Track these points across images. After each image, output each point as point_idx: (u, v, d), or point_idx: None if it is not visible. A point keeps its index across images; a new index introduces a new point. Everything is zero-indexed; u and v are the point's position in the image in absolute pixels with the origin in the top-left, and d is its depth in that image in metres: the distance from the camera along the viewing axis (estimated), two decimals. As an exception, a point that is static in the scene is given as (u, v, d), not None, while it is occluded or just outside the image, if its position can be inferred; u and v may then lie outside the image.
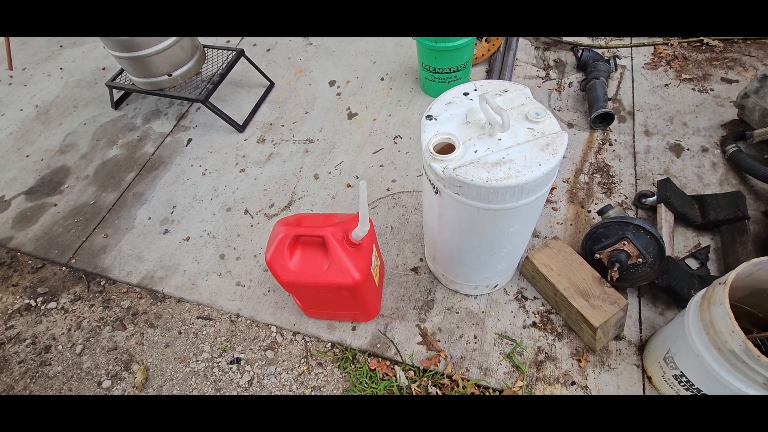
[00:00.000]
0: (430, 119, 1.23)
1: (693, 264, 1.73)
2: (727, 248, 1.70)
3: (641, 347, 1.57)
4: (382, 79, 2.62)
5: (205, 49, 2.51)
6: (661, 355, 1.39)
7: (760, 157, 2.03)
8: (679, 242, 1.80)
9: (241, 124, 2.44)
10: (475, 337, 1.64)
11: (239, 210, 2.12)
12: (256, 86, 2.67)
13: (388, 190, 2.10)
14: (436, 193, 1.25)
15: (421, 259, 1.86)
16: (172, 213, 2.14)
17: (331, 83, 2.65)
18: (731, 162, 2.00)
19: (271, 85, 2.66)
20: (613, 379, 1.51)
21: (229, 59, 2.46)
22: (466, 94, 1.28)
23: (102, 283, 1.97)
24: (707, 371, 1.17)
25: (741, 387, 1.10)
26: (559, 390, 1.50)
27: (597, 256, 1.62)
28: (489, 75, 2.51)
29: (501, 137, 1.17)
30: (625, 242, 1.55)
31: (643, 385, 1.49)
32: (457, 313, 1.70)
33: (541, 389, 1.51)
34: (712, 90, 2.33)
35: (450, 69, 2.26)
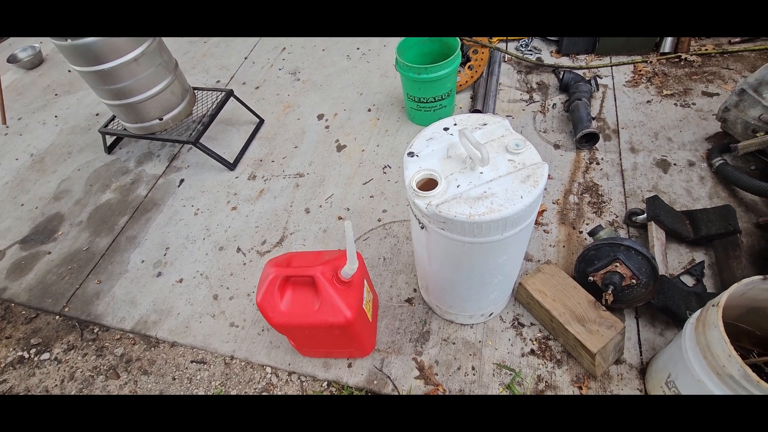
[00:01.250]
0: (412, 156, 1.25)
1: (689, 281, 1.72)
2: (722, 263, 1.68)
3: (642, 370, 1.53)
4: (369, 110, 2.67)
5: (195, 91, 2.57)
6: (662, 379, 1.36)
7: (747, 168, 2.04)
8: (673, 259, 1.79)
9: (231, 162, 2.47)
10: (473, 368, 1.61)
11: (232, 248, 2.12)
12: (246, 123, 2.72)
13: (379, 220, 2.11)
14: (423, 228, 1.25)
15: (414, 290, 1.85)
16: (165, 255, 2.14)
17: (320, 117, 2.69)
18: (719, 175, 2.01)
19: (261, 121, 2.71)
20: (617, 406, 1.47)
21: (218, 99, 2.51)
22: (446, 129, 1.30)
23: (95, 331, 1.95)
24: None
25: (744, 413, 1.07)
26: (562, 420, 1.46)
27: (591, 278, 1.61)
28: (474, 101, 2.56)
29: (482, 170, 1.18)
30: (618, 264, 1.54)
31: (648, 410, 1.45)
32: (454, 344, 1.68)
33: (543, 420, 1.47)
34: (693, 104, 2.36)
35: (434, 98, 2.30)
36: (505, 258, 1.30)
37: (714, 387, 1.12)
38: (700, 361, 1.14)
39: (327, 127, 2.62)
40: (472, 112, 2.47)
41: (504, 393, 1.54)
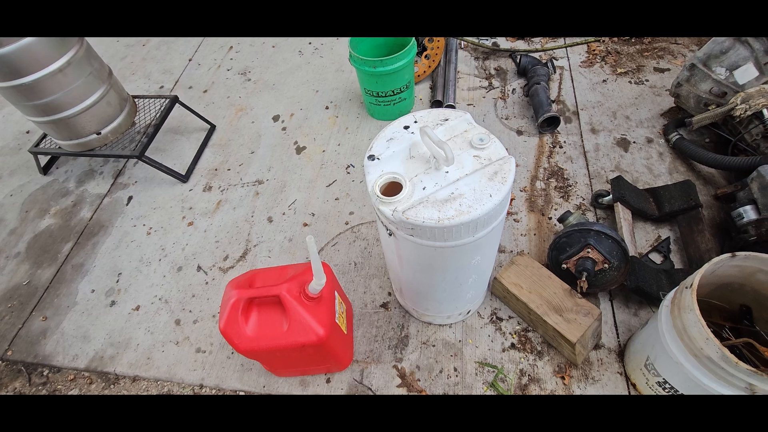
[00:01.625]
0: (373, 159, 1.16)
1: (657, 258, 1.74)
2: (687, 238, 1.71)
3: (621, 353, 1.54)
4: (327, 107, 2.56)
5: (136, 99, 2.37)
6: (641, 361, 1.36)
7: (702, 141, 2.09)
8: (641, 237, 1.81)
9: (184, 173, 2.31)
10: (456, 369, 1.57)
11: (191, 267, 1.97)
12: (196, 131, 2.55)
13: (346, 223, 2.02)
14: (390, 235, 1.18)
15: (389, 293, 1.78)
16: (117, 282, 1.97)
17: (275, 118, 2.56)
18: (676, 150, 2.04)
19: (212, 127, 2.54)
20: (599, 392, 1.47)
21: (163, 107, 2.33)
22: (406, 127, 1.22)
23: (45, 373, 1.77)
24: (688, 378, 1.14)
25: (725, 392, 1.07)
26: (547, 412, 1.45)
27: (564, 266, 1.59)
28: (433, 91, 2.50)
29: (448, 170, 1.12)
30: (589, 249, 1.53)
31: (629, 392, 1.45)
32: (434, 346, 1.63)
33: (529, 415, 1.45)
34: (647, 81, 2.40)
35: (393, 91, 2.22)
36: (479, 258, 1.25)
37: (693, 368, 1.11)
38: (677, 344, 1.14)
39: (284, 128, 2.49)
40: (433, 103, 2.40)
41: (488, 392, 1.51)
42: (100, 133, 2.13)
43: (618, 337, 1.58)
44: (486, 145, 1.15)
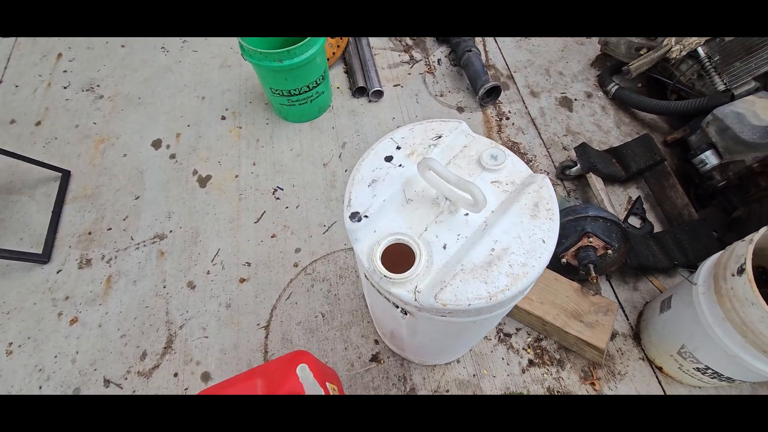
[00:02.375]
0: (359, 219, 0.79)
1: (635, 222, 1.66)
2: (659, 195, 1.66)
3: (635, 335, 1.44)
4: (224, 117, 2.00)
5: None
6: (672, 349, 1.26)
7: (635, 87, 2.05)
8: (614, 202, 1.71)
9: (40, 251, 1.63)
10: (481, 413, 1.33)
11: (95, 384, 1.41)
12: (41, 184, 1.82)
13: (295, 266, 1.60)
14: (406, 314, 0.84)
15: (376, 341, 1.46)
16: (-22, 441, 1.32)
17: (156, 144, 1.94)
18: (616, 101, 1.98)
19: (66, 174, 1.84)
20: (630, 387, 1.36)
21: (-26, 163, 1.58)
22: (389, 159, 0.86)
23: None
24: (748, 370, 1.04)
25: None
26: (588, 428, 1.30)
27: (563, 260, 1.42)
28: (350, 75, 2.09)
29: (466, 211, 0.80)
30: (590, 238, 1.37)
31: (657, 378, 1.37)
32: (448, 391, 1.37)
33: (572, 438, 1.29)
34: (565, 30, 2.29)
35: (309, 86, 1.78)
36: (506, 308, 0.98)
37: (755, 360, 1.01)
38: (735, 339, 1.02)
39: (172, 156, 1.90)
40: (356, 90, 2.01)
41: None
42: None
43: (628, 319, 1.48)
44: (501, 164, 0.84)
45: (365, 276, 0.86)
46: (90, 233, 1.70)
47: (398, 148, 0.87)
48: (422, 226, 0.79)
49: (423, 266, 0.74)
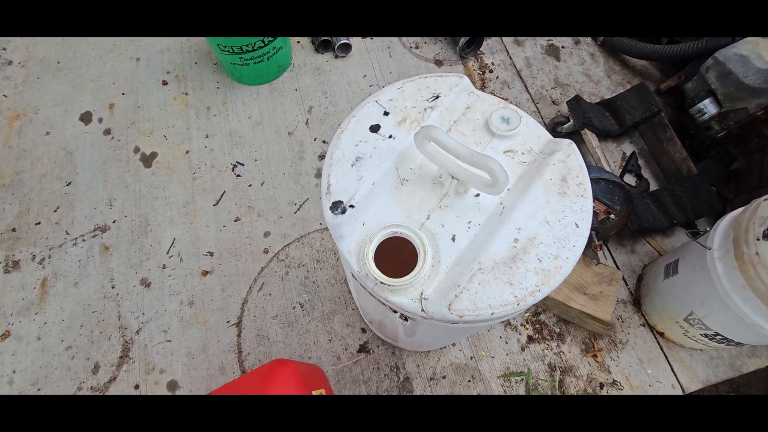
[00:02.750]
0: (342, 211, 0.61)
1: (631, 180, 1.56)
2: (656, 149, 1.55)
3: (636, 301, 1.37)
4: (165, 82, 1.71)
5: None
6: (679, 316, 1.19)
7: (625, 31, 1.88)
8: (608, 159, 1.60)
9: (-47, 255, 1.36)
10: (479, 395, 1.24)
11: (41, 406, 1.21)
12: (-55, 173, 1.51)
13: (265, 251, 1.42)
14: (406, 320, 0.69)
15: (363, 330, 1.32)
16: None
17: (85, 118, 1.63)
18: (606, 47, 1.82)
19: (-25, 160, 1.52)
20: (632, 355, 1.30)
21: None
22: (375, 129, 0.67)
23: None
24: (762, 335, 0.98)
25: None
26: (592, 402, 1.24)
27: (562, 227, 1.30)
28: (311, 27, 1.81)
29: (477, 191, 0.63)
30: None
31: (659, 343, 1.31)
32: (444, 377, 1.27)
33: (576, 414, 1.23)
34: (548, -32, 2.07)
35: (264, 41, 1.51)
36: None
37: (778, 330, 0.94)
38: (756, 307, 0.94)
39: (107, 131, 1.61)
40: (320, 44, 1.74)
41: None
42: None
43: (626, 284, 1.40)
44: (515, 128, 0.67)
45: (353, 276, 0.69)
46: (14, 230, 1.44)
47: (386, 113, 0.68)
48: (423, 213, 0.62)
49: (428, 266, 0.58)
